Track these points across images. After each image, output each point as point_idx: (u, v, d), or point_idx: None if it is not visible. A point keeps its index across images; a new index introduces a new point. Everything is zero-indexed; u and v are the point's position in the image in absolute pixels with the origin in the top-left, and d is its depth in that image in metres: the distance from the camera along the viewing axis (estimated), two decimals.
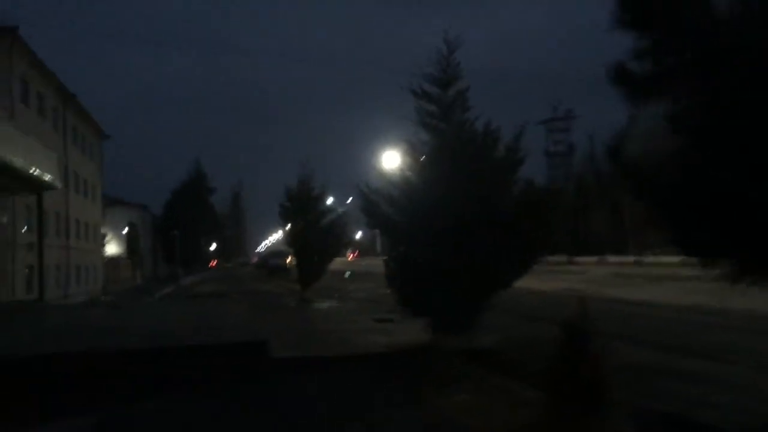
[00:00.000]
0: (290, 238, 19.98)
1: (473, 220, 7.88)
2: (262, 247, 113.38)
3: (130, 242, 66.14)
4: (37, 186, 22.91)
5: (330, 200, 20.13)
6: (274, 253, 54.13)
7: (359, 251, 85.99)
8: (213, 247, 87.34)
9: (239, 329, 10.87)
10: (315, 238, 18.72)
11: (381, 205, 8.76)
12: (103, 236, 53.54)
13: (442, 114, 8.47)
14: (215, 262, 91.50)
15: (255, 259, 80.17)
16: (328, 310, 15.73)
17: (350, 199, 23.24)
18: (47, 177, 22.48)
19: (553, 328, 5.36)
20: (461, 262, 7.92)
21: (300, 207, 19.02)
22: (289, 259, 36.08)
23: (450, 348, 8.30)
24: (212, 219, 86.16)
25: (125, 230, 65.17)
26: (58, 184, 25.16)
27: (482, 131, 8.13)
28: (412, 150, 8.56)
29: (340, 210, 21.01)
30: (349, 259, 59.76)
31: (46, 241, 32.64)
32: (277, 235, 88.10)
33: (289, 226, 20.10)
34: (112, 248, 62.80)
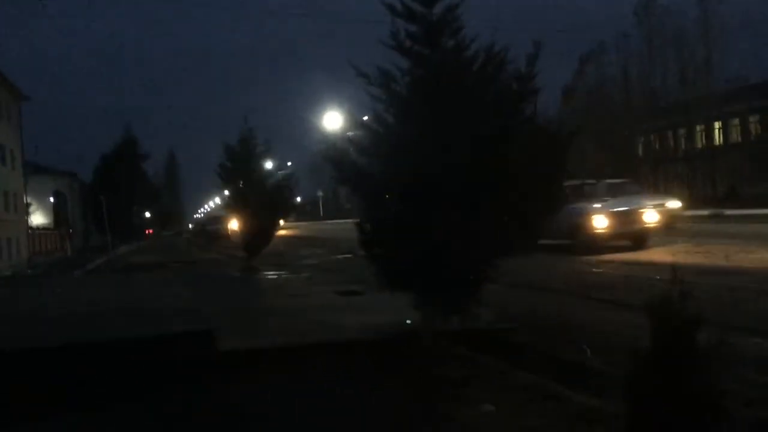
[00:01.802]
0: (232, 201, 17.94)
1: (468, 169, 6.18)
2: (200, 215, 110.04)
3: (58, 212, 62.38)
4: None
5: (271, 163, 18.16)
6: (212, 218, 51.64)
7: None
8: (148, 214, 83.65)
9: (178, 311, 8.99)
10: (261, 200, 16.76)
11: (351, 155, 6.96)
12: (27, 206, 50.00)
13: (427, 36, 6.66)
14: (150, 231, 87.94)
15: (193, 226, 77.20)
16: (280, 280, 13.91)
17: (289, 164, 21.43)
18: None
19: (571, 299, 3.91)
20: (455, 222, 6.23)
21: (242, 166, 16.97)
22: (229, 224, 33.84)
23: (445, 331, 6.67)
24: (146, 186, 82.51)
25: (51, 199, 61.35)
26: None
27: (482, 56, 6.37)
28: (387, 83, 6.74)
29: (288, 168, 19.14)
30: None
31: None
32: (215, 202, 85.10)
33: (229, 189, 18.02)
34: (38, 218, 59.08)
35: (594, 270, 12.07)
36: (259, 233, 16.98)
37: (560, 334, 6.81)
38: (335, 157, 7.07)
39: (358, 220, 7.02)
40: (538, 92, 6.11)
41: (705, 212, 27.87)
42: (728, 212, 26.40)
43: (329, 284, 12.30)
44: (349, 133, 7.15)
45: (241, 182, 17.06)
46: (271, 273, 15.44)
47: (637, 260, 13.12)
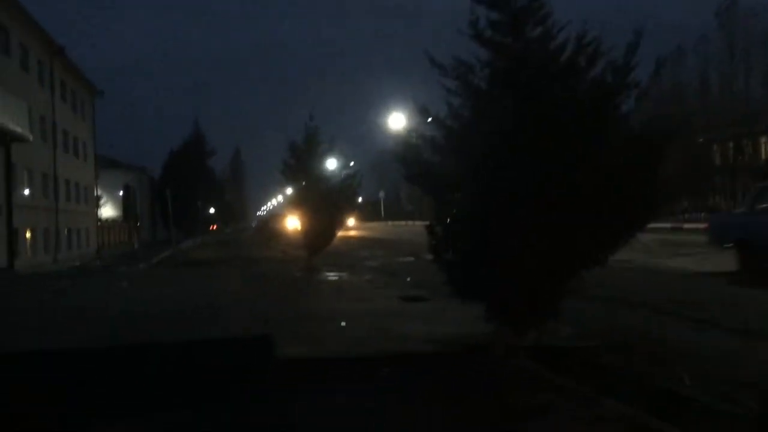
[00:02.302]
0: (294, 199, 17.67)
1: (555, 169, 5.58)
2: (263, 211, 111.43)
3: (127, 205, 63.81)
4: (3, 137, 20.50)
5: (335, 162, 17.78)
6: (274, 216, 52.09)
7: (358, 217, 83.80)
8: (212, 210, 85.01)
9: (236, 311, 8.66)
10: (323, 199, 16.41)
11: (423, 152, 6.45)
12: (98, 198, 51.30)
13: (510, 24, 6.09)
14: (215, 227, 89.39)
15: (255, 223, 78.06)
16: (341, 282, 13.50)
17: (352, 163, 21.03)
18: (16, 128, 20.06)
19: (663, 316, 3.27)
20: (539, 227, 5.65)
21: (306, 164, 16.68)
22: (291, 223, 33.80)
23: (519, 346, 6.08)
24: (211, 182, 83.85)
25: (121, 192, 62.86)
26: (29, 136, 22.67)
27: (571, 45, 5.75)
28: (464, 74, 6.20)
29: (351, 168, 18.74)
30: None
31: (32, 202, 30.49)
32: (278, 200, 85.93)
33: (291, 187, 17.75)
34: (107, 211, 60.65)
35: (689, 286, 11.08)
36: (320, 232, 16.65)
37: (649, 356, 6.11)
38: (405, 154, 6.57)
39: (428, 223, 6.51)
40: (637, 86, 5.45)
41: None
42: None
43: (392, 288, 11.82)
44: (420, 130, 6.61)
45: (304, 180, 16.76)
46: (332, 274, 15.06)
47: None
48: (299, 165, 16.77)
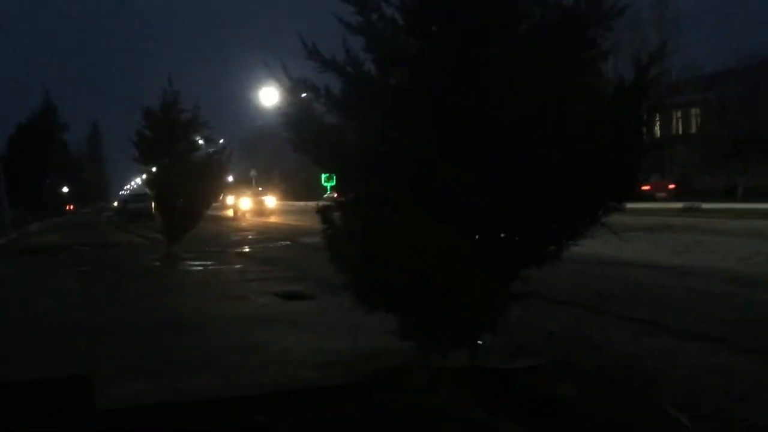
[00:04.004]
0: (152, 177, 15.18)
1: (495, 128, 4.05)
2: (126, 191, 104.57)
3: None
4: None
5: (200, 136, 15.38)
6: (135, 195, 47.86)
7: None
8: (66, 189, 78.44)
9: (53, 327, 6.47)
10: (186, 177, 14.11)
11: (316, 110, 4.65)
12: None
13: None
14: (72, 207, 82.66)
15: (117, 204, 72.70)
16: (206, 274, 11.39)
17: (222, 141, 18.76)
18: None
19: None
20: (472, 209, 4.09)
21: (165, 135, 14.24)
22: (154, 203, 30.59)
23: (447, 368, 4.52)
24: (66, 158, 77.36)
25: None
26: None
27: None
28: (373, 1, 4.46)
29: (220, 144, 16.49)
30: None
31: None
32: (142, 178, 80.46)
33: (148, 162, 15.16)
34: None
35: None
36: (182, 215, 14.33)
37: (604, 377, 4.71)
38: (293, 114, 4.72)
39: (321, 204, 4.74)
40: (617, 16, 3.90)
41: (678, 205, 26.38)
42: (705, 206, 24.88)
43: (267, 281, 9.93)
44: (310, 82, 4.77)
45: (162, 155, 14.33)
46: (196, 263, 12.89)
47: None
48: (156, 136, 14.28)
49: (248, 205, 40.80)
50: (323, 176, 36.42)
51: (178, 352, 5.55)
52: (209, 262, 13.06)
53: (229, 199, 45.78)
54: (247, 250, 16.63)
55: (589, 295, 7.60)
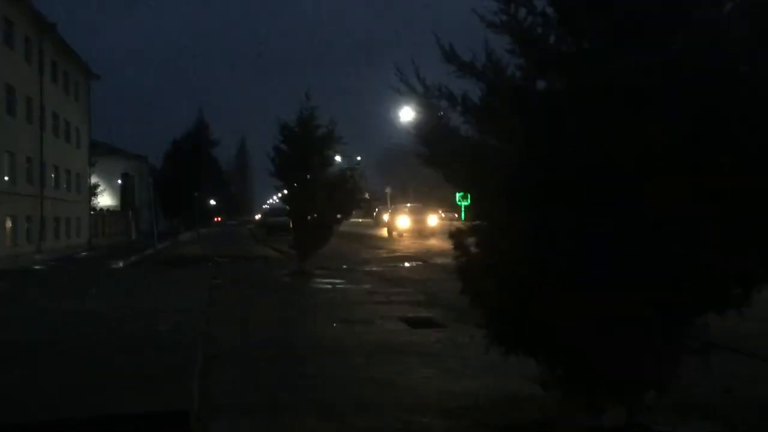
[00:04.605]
0: (287, 192, 15.22)
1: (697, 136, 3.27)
2: (268, 205, 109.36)
3: (125, 194, 61.86)
4: None
5: (336, 152, 15.22)
6: (274, 210, 49.45)
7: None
8: (214, 202, 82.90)
9: (180, 339, 6.28)
10: (319, 193, 14.02)
11: (451, 119, 4.08)
12: (94, 186, 49.24)
13: None
14: (219, 219, 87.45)
15: (260, 216, 75.91)
16: (333, 293, 11.11)
17: (359, 158, 18.59)
18: None
19: None
20: (656, 237, 3.33)
21: (300, 150, 14.23)
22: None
23: (602, 428, 3.74)
24: (215, 173, 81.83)
25: (119, 181, 60.86)
26: None
27: None
28: None
29: (356, 161, 16.34)
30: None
31: (14, 188, 28.26)
32: (283, 193, 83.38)
33: (283, 178, 15.19)
34: (105, 200, 58.69)
35: None
36: (314, 231, 14.23)
37: None
38: (425, 124, 4.16)
39: (452, 231, 4.12)
40: None
41: None
42: None
43: (394, 304, 9.45)
44: (446, 90, 4.18)
45: (298, 170, 14.32)
46: (324, 281, 12.68)
47: None
48: (292, 151, 14.32)
49: (406, 224, 34.80)
50: (458, 195, 34.35)
51: (292, 382, 5.11)
52: (338, 281, 12.80)
53: (384, 217, 41.91)
54: (376, 269, 16.28)
55: None
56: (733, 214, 3.26)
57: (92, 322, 7.32)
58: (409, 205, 38.90)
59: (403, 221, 34.99)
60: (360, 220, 67.83)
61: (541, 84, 3.97)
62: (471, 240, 3.91)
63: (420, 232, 33.40)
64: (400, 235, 33.56)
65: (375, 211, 56.06)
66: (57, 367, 5.11)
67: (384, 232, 37.17)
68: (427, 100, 4.08)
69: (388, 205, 50.19)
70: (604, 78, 3.42)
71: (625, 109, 3.26)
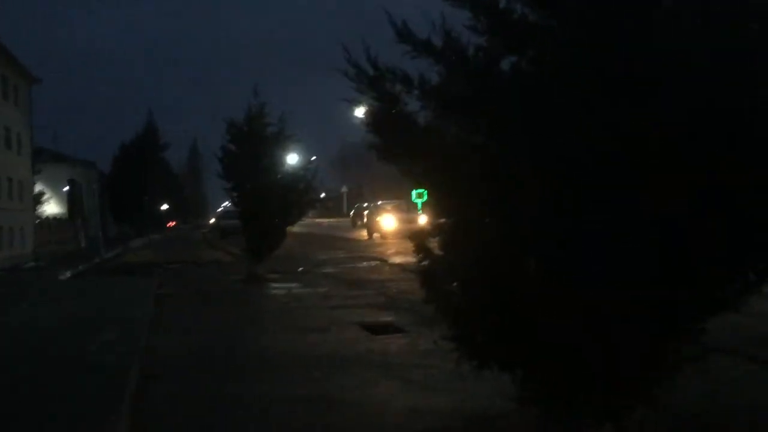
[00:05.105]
0: (236, 193, 14.51)
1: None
2: (222, 208, 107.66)
3: (72, 201, 59.97)
4: None
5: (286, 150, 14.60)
6: (227, 212, 48.42)
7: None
8: (166, 207, 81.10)
9: (113, 351, 5.67)
10: (271, 193, 13.41)
11: (407, 106, 3.62)
12: (39, 194, 47.46)
13: None
14: (173, 223, 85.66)
15: (212, 220, 74.57)
16: (287, 299, 10.54)
17: (314, 158, 18.06)
18: None
19: None
20: (656, 233, 2.88)
21: (250, 149, 13.58)
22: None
23: None
24: (167, 176, 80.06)
25: (66, 188, 58.95)
26: None
27: None
28: None
29: (311, 162, 15.81)
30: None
31: None
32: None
33: (231, 179, 14.47)
34: (52, 208, 56.72)
35: None
36: (266, 233, 13.63)
37: None
38: (378, 112, 3.67)
39: (415, 228, 3.65)
40: None
41: None
42: None
43: (353, 308, 8.96)
44: (401, 71, 3.69)
45: (247, 169, 13.65)
46: (278, 285, 12.11)
47: None
48: (240, 151, 13.65)
49: (391, 225, 28.61)
50: (413, 193, 32.68)
51: (238, 407, 4.58)
52: (293, 284, 12.24)
53: (363, 216, 35.69)
54: (333, 270, 15.72)
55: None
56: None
57: (17, 339, 6.63)
58: (394, 201, 32.16)
59: (388, 221, 29.26)
60: (331, 220, 66.01)
61: (506, 64, 3.54)
62: (434, 241, 3.44)
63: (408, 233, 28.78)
64: (383, 237, 28.61)
65: (353, 209, 49.90)
66: None
67: (362, 234, 32.13)
68: (379, 83, 3.59)
69: (366, 203, 44.29)
70: (579, 59, 2.99)
71: (609, 95, 2.83)
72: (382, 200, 34.22)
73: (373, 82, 3.62)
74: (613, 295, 2.95)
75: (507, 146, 3.05)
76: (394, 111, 3.50)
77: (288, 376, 5.38)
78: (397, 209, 30.14)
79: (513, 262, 3.05)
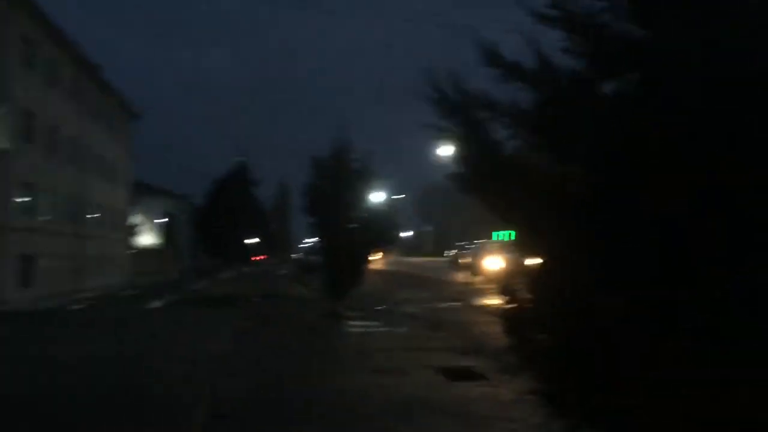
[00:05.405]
0: (320, 230, 14.44)
1: None
2: (308, 243, 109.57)
3: (167, 233, 62.49)
4: None
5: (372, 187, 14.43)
6: (311, 248, 48.99)
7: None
8: (255, 240, 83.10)
9: (180, 396, 5.51)
10: (354, 230, 13.26)
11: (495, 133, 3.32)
12: (134, 226, 49.59)
13: None
14: (263, 257, 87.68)
15: (297, 255, 75.78)
16: (365, 339, 10.23)
17: (403, 195, 17.81)
18: None
19: None
20: None
21: (334, 185, 13.53)
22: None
23: None
24: (256, 212, 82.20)
25: (161, 220, 61.55)
26: (6, 145, 20.27)
27: None
28: None
29: (398, 199, 15.60)
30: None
31: (53, 227, 28.25)
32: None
33: (315, 213, 14.44)
34: (147, 239, 59.22)
35: None
36: (347, 270, 13.44)
37: None
38: (463, 138, 3.37)
39: (476, 269, 3.28)
40: None
41: None
42: None
43: (430, 350, 8.56)
44: (488, 99, 3.38)
45: (331, 206, 13.58)
46: (357, 324, 11.85)
47: None
48: (325, 186, 13.63)
49: (498, 266, 25.83)
50: (494, 235, 30.65)
51: None
52: (372, 323, 11.95)
53: (466, 257, 33.72)
54: (412, 310, 15.31)
55: None
56: None
57: (85, 373, 6.60)
58: (501, 241, 28.25)
59: (494, 262, 26.06)
60: (426, 258, 63.91)
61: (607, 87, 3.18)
62: (521, 285, 3.08)
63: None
64: (489, 280, 25.10)
65: (453, 251, 47.01)
66: None
67: (462, 276, 29.02)
68: (463, 109, 3.30)
69: (464, 242, 42.26)
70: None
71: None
72: (486, 240, 30.35)
73: (457, 108, 3.34)
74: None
75: (609, 177, 2.67)
76: (479, 139, 3.18)
77: (361, 424, 5.04)
78: (505, 249, 26.05)
79: (610, 308, 2.64)
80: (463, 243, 42.76)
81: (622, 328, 2.57)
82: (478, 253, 28.87)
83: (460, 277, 28.98)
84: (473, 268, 28.37)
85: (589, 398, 2.95)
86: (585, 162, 2.94)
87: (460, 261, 35.75)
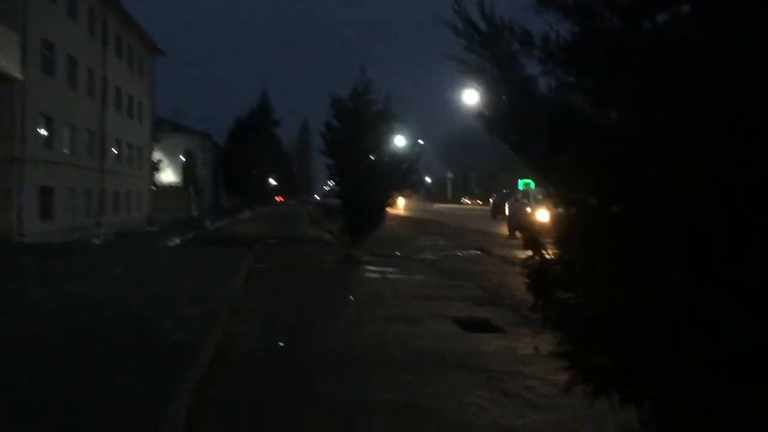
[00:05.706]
0: (338, 172, 14.17)
1: None
2: (329, 185, 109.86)
3: (187, 171, 62.52)
4: None
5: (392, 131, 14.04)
6: (331, 191, 48.85)
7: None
8: (276, 182, 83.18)
9: (195, 331, 5.36)
10: (372, 173, 12.98)
11: (526, 69, 2.96)
12: (156, 162, 49.58)
13: None
14: (281, 199, 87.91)
15: (319, 197, 75.82)
16: (380, 284, 10.07)
17: (420, 141, 17.41)
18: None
19: None
20: None
21: (353, 127, 13.19)
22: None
23: None
24: (277, 152, 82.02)
25: (182, 158, 61.52)
26: (18, 75, 19.92)
27: None
28: None
29: (418, 146, 15.24)
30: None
31: (74, 160, 28.25)
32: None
33: (334, 157, 14.12)
34: (168, 176, 59.33)
35: None
36: (365, 214, 13.22)
37: None
38: (490, 74, 3.03)
39: (518, 222, 2.98)
40: None
41: None
42: None
43: (447, 300, 8.36)
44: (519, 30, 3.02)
45: (350, 148, 13.27)
46: (373, 269, 11.67)
47: None
48: (344, 128, 13.29)
49: (546, 219, 12.83)
50: (520, 182, 30.35)
51: (314, 412, 4.09)
52: (389, 269, 11.76)
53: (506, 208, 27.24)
54: (430, 257, 15.12)
55: None
56: None
57: (96, 313, 6.48)
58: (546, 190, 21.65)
59: (542, 215, 19.78)
60: (469, 204, 59.98)
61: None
62: (551, 235, 2.78)
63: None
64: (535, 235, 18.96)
65: (494, 197, 43.03)
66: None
67: (505, 229, 24.09)
68: (493, 41, 2.95)
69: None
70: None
71: None
72: (529, 189, 22.79)
73: (487, 40, 2.99)
74: None
75: (656, 121, 2.34)
76: (509, 74, 2.85)
77: (373, 375, 4.85)
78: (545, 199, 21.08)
79: (652, 266, 2.34)
80: (505, 191, 39.90)
81: (658, 287, 2.29)
82: (520, 204, 22.95)
83: (502, 230, 24.82)
84: (512, 222, 22.50)
85: (617, 367, 2.69)
86: (628, 110, 2.60)
87: (498, 213, 33.10)
